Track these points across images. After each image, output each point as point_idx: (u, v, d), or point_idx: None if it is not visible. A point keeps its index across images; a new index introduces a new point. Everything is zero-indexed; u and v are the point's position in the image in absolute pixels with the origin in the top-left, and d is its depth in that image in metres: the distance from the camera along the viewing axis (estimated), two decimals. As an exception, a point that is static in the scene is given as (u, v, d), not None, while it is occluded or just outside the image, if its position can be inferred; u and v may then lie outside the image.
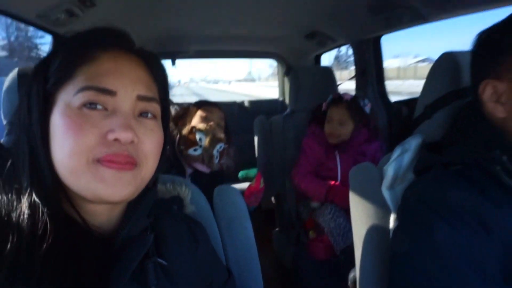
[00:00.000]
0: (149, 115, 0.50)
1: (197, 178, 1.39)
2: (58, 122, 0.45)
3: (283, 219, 1.75)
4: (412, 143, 0.82)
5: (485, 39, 0.66)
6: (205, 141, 1.36)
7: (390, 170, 0.81)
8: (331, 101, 1.68)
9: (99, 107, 0.46)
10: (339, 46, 2.49)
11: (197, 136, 1.37)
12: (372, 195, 0.81)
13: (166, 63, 2.89)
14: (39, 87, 0.47)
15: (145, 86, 0.50)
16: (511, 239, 0.56)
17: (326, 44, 2.47)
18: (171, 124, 1.45)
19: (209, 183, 1.37)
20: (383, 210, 0.78)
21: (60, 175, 0.46)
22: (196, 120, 1.46)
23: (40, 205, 0.43)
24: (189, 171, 1.41)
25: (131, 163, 0.46)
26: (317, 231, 1.51)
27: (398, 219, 0.72)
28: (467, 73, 0.82)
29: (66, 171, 0.45)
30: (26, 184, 0.44)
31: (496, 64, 0.63)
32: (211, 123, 1.42)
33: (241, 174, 2.57)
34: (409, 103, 0.97)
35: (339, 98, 1.65)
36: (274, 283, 0.74)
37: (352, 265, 1.21)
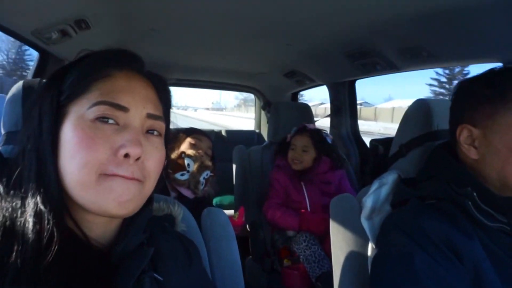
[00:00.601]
0: (155, 132, 0.53)
1: (181, 202, 1.39)
2: (69, 134, 0.47)
3: (257, 247, 1.76)
4: (389, 178, 0.89)
5: (465, 88, 0.76)
6: (193, 167, 1.38)
7: (368, 202, 0.87)
8: (295, 131, 1.81)
9: (111, 121, 0.48)
10: (316, 86, 2.63)
11: (186, 162, 1.38)
12: (352, 224, 0.86)
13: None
14: (52, 98, 0.49)
15: (154, 105, 0.53)
16: (478, 268, 0.63)
17: (303, 83, 2.60)
18: None
19: (191, 208, 1.38)
20: (362, 238, 0.83)
21: (67, 187, 0.47)
22: (185, 146, 1.48)
23: (46, 214, 0.44)
24: (172, 194, 1.41)
25: (137, 180, 0.48)
26: (292, 259, 1.54)
27: (376, 247, 0.77)
28: (438, 118, 0.92)
29: (75, 183, 0.46)
30: (32, 192, 0.45)
31: (473, 111, 0.72)
32: (200, 151, 1.45)
33: (215, 200, 2.57)
34: (385, 142, 1.07)
35: (304, 128, 1.79)
36: None
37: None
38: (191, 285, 0.59)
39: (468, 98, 0.74)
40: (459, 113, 0.76)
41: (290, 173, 1.72)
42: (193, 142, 1.50)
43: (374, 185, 0.90)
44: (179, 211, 0.74)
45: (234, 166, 1.95)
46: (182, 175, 1.37)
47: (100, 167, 0.45)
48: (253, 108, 3.76)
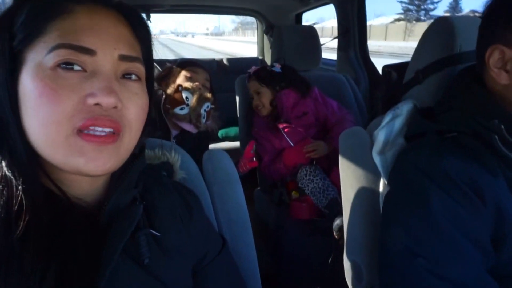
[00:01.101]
0: (133, 76, 0.46)
1: (183, 140, 1.36)
2: (29, 86, 0.40)
3: (264, 179, 1.76)
4: (404, 108, 0.82)
5: (498, 3, 0.64)
6: (192, 100, 1.32)
7: (381, 135, 0.80)
8: (247, 81, 1.74)
9: (76, 67, 0.40)
10: (321, 5, 2.42)
11: (184, 95, 1.32)
12: (362, 159, 0.82)
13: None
14: (3, 44, 0.41)
15: (128, 45, 0.45)
16: (501, 208, 0.58)
17: (308, 2, 2.39)
18: (155, 84, 1.39)
19: (195, 143, 1.35)
20: (373, 174, 0.79)
21: (34, 146, 0.41)
22: (181, 80, 1.40)
23: (13, 180, 0.39)
24: (174, 132, 1.37)
25: (113, 134, 0.42)
26: (300, 191, 1.54)
27: (390, 184, 0.73)
28: (462, 38, 0.81)
29: (41, 142, 0.40)
30: None
31: (507, 30, 0.61)
32: (197, 83, 1.37)
33: (220, 133, 2.56)
34: (399, 68, 0.96)
35: (248, 74, 1.73)
36: (258, 241, 0.74)
37: (336, 214, 1.25)
38: (192, 238, 0.56)
39: (502, 14, 0.63)
40: (490, 31, 0.65)
41: (266, 125, 1.66)
42: (188, 75, 1.41)
43: (387, 117, 0.83)
44: (177, 157, 0.69)
45: (237, 98, 1.87)
46: (181, 109, 1.31)
47: (70, 122, 0.39)
48: (250, 32, 3.56)
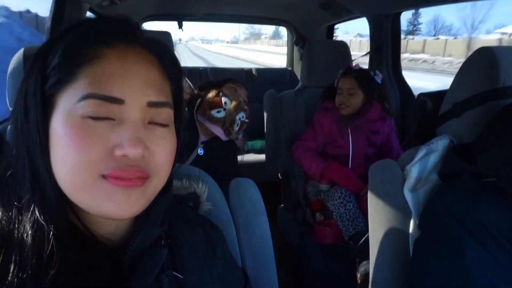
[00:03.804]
0: (162, 121, 0.45)
1: (211, 147, 1.38)
2: (59, 132, 0.40)
3: (289, 196, 1.74)
4: (440, 144, 0.78)
5: None
6: (231, 105, 1.36)
7: (414, 172, 0.77)
8: (341, 73, 1.65)
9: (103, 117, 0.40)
10: (354, 18, 2.38)
11: (223, 100, 1.36)
12: (392, 195, 0.79)
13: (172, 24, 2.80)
14: (36, 87, 0.41)
15: (157, 90, 0.44)
16: None
17: (341, 15, 2.36)
18: (196, 91, 1.45)
19: (223, 154, 1.37)
20: (403, 212, 0.76)
21: (63, 190, 0.41)
22: (225, 88, 1.44)
23: (45, 225, 0.39)
24: (202, 138, 1.39)
25: (142, 178, 0.42)
26: (325, 214, 1.51)
27: (421, 227, 0.69)
28: (505, 71, 0.76)
29: (69, 186, 0.41)
30: (27, 199, 0.40)
31: None
32: (238, 95, 1.41)
33: (246, 146, 2.55)
34: (435, 96, 0.92)
35: (348, 69, 1.63)
36: (279, 260, 0.73)
37: (362, 252, 1.22)
38: (214, 277, 0.55)
39: None
40: None
41: (337, 117, 1.60)
42: (232, 86, 1.45)
43: (421, 152, 0.80)
44: (204, 188, 0.69)
45: (265, 114, 1.86)
46: (218, 112, 1.35)
47: (96, 168, 0.39)
48: (258, 41, 3.57)
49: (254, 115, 1.90)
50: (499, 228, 0.55)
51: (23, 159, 0.41)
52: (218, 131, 1.38)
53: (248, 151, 2.56)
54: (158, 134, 0.44)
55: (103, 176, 0.40)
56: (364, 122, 1.58)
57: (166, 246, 0.49)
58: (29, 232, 0.38)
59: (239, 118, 1.38)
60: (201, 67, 3.13)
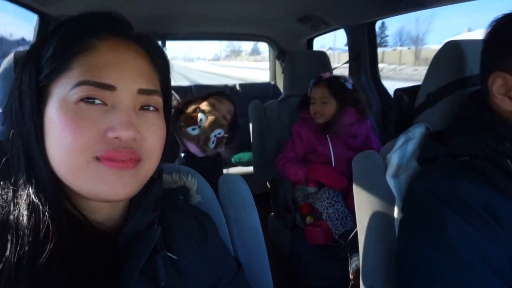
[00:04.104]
0: (151, 108, 0.48)
1: (192, 159, 1.37)
2: (54, 119, 0.42)
3: (278, 204, 1.76)
4: (416, 132, 0.83)
5: (498, 29, 0.65)
6: (205, 122, 1.34)
7: (394, 159, 0.81)
8: (313, 83, 1.69)
9: (97, 102, 0.43)
10: (332, 30, 2.47)
11: (199, 116, 1.34)
12: (376, 183, 0.82)
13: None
14: (31, 78, 0.44)
15: (147, 78, 0.47)
16: None
17: (319, 28, 2.44)
18: (178, 106, 1.44)
19: (207, 165, 1.36)
20: (387, 199, 0.79)
21: (57, 174, 0.43)
22: (204, 104, 1.43)
23: (40, 206, 0.41)
24: (182, 148, 1.38)
25: (134, 160, 0.44)
26: (315, 216, 1.53)
27: (404, 210, 0.72)
28: (471, 62, 0.82)
29: (64, 170, 0.43)
30: (22, 182, 0.42)
31: (507, 57, 0.62)
32: (216, 112, 1.40)
33: (233, 158, 2.57)
34: (410, 91, 0.97)
35: (319, 78, 1.67)
36: (272, 267, 0.74)
37: (352, 249, 1.24)
38: (208, 261, 0.57)
39: (501, 41, 0.64)
40: (491, 59, 0.66)
41: (314, 126, 1.64)
42: (212, 101, 1.44)
43: (400, 140, 0.84)
44: (193, 182, 0.71)
45: (250, 124, 1.90)
46: (193, 129, 1.33)
47: (90, 151, 0.41)
48: (238, 58, 3.65)
49: (240, 129, 1.94)
50: (476, 200, 0.59)
51: (17, 147, 0.43)
52: (193, 148, 1.36)
53: (236, 164, 2.58)
54: (149, 120, 0.47)
55: (97, 159, 0.42)
56: (340, 127, 1.61)
57: (159, 228, 0.50)
58: (25, 213, 0.40)
59: (215, 136, 1.36)
60: (186, 85, 3.17)
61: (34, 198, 0.41)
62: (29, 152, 0.43)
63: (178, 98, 1.57)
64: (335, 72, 1.90)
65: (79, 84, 0.42)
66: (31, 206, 0.41)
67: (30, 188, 0.42)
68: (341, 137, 1.61)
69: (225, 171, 2.33)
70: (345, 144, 1.62)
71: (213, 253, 0.59)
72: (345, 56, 2.30)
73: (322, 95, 1.62)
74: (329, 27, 2.34)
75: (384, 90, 2.09)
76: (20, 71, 0.45)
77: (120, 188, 0.43)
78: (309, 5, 2.08)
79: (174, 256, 0.51)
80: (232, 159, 2.57)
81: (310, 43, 2.88)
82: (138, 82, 0.46)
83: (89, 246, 0.43)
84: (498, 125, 0.64)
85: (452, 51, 0.85)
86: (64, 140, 0.41)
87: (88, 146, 0.41)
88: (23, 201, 0.41)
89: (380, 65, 2.28)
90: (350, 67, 2.21)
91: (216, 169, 1.47)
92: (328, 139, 1.60)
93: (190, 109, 1.38)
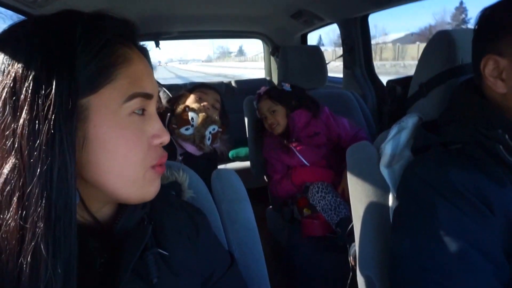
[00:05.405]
0: None
1: (189, 158, 1.37)
2: (106, 134, 0.41)
3: (275, 197, 1.76)
4: (409, 122, 0.83)
5: (488, 16, 0.66)
6: (198, 121, 1.33)
7: (387, 149, 0.81)
8: (255, 103, 1.74)
9: (140, 112, 0.45)
10: (325, 25, 2.46)
11: (190, 115, 1.32)
12: (370, 174, 0.82)
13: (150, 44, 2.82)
14: (70, 91, 0.38)
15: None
16: (511, 216, 0.58)
17: (312, 23, 2.43)
18: (166, 105, 1.43)
19: (203, 164, 1.36)
20: (382, 188, 0.79)
21: (108, 185, 0.43)
22: (190, 101, 1.42)
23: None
24: (180, 150, 1.38)
25: None
26: (312, 208, 1.53)
27: (398, 198, 0.72)
28: (462, 51, 0.82)
29: (122, 181, 0.43)
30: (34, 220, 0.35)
31: (498, 40, 0.62)
32: (205, 103, 1.39)
33: (231, 153, 2.58)
34: (403, 82, 0.98)
35: (258, 95, 1.73)
36: (271, 262, 0.74)
37: (349, 237, 1.23)
38: (199, 255, 0.57)
39: (491, 26, 0.65)
40: (482, 44, 0.67)
41: (277, 144, 1.66)
42: (197, 95, 1.43)
43: (393, 130, 0.84)
44: (185, 177, 0.71)
45: (246, 119, 1.90)
46: (186, 129, 1.32)
47: (147, 161, 0.45)
48: (228, 58, 3.65)
49: (236, 124, 1.94)
50: (467, 187, 0.59)
51: (35, 196, 0.36)
52: (190, 148, 1.36)
53: (233, 159, 2.58)
54: None
55: (152, 167, 0.46)
56: (297, 132, 1.62)
57: (150, 225, 0.51)
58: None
59: (210, 132, 1.35)
60: (181, 83, 3.16)
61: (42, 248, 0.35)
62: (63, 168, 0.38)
63: (170, 95, 1.57)
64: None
65: (133, 97, 0.43)
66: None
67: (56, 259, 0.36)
68: (303, 141, 1.61)
69: (223, 166, 2.33)
70: (311, 145, 1.60)
71: (205, 248, 0.59)
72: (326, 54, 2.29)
73: (267, 106, 1.66)
74: (322, 22, 2.34)
75: (379, 83, 2.08)
76: (37, 85, 0.37)
77: (158, 189, 0.48)
78: (302, 0, 2.07)
79: (165, 252, 0.51)
80: (230, 155, 2.57)
81: (304, 39, 2.87)
82: (156, 87, 0.48)
83: (85, 245, 0.43)
84: (490, 112, 0.64)
85: (443, 41, 0.85)
86: (126, 154, 0.43)
87: (145, 156, 0.44)
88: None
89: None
90: (344, 61, 2.21)
91: (210, 167, 1.47)
92: (293, 148, 1.59)
93: (180, 109, 1.37)
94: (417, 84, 0.91)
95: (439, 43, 0.86)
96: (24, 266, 0.35)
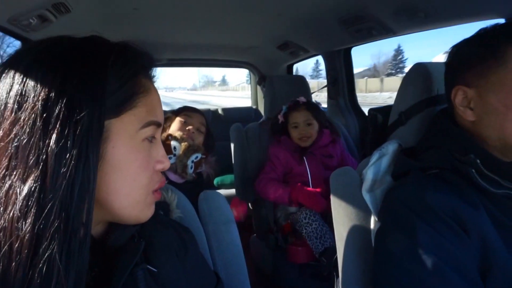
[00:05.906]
0: None
1: (172, 185, 1.35)
2: (123, 155, 0.44)
3: (260, 225, 1.76)
4: (390, 148, 0.86)
5: (457, 51, 0.73)
6: (179, 150, 1.32)
7: (369, 174, 0.84)
8: (288, 108, 1.75)
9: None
10: (310, 56, 2.56)
11: (172, 144, 1.32)
12: (353, 198, 0.84)
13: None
14: (101, 113, 0.41)
15: None
16: (486, 239, 0.60)
17: (298, 54, 2.53)
18: None
19: (188, 188, 1.35)
20: (364, 212, 0.81)
21: (116, 205, 0.45)
22: (175, 126, 1.42)
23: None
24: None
25: None
26: (296, 235, 1.53)
27: (379, 221, 0.75)
28: (437, 82, 0.88)
29: (128, 202, 0.46)
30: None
31: (465, 72, 0.68)
32: (190, 127, 1.40)
33: (216, 181, 2.57)
34: (384, 110, 1.02)
35: (297, 103, 1.73)
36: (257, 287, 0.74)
37: (336, 266, 1.24)
38: (188, 273, 0.57)
39: (459, 60, 0.71)
40: (452, 76, 0.73)
41: (291, 148, 1.68)
42: (182, 119, 1.44)
43: (374, 156, 0.87)
44: (173, 197, 0.72)
45: (232, 146, 1.92)
46: (169, 158, 1.31)
47: (150, 185, 0.48)
48: (211, 87, 3.73)
49: (222, 152, 1.96)
50: (444, 210, 0.62)
51: (52, 209, 0.37)
52: (172, 177, 1.34)
53: (219, 187, 2.58)
54: None
55: (153, 191, 0.49)
56: (317, 148, 1.67)
57: (143, 242, 0.51)
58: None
59: (192, 161, 1.33)
60: (168, 110, 3.18)
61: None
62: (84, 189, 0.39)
63: None
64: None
65: (149, 124, 0.46)
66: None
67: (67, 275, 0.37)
68: (317, 157, 1.65)
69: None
70: (322, 164, 1.66)
71: (193, 265, 0.59)
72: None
73: (305, 118, 1.67)
74: (307, 54, 2.44)
75: (361, 112, 2.16)
76: (71, 106, 0.39)
77: (153, 212, 0.51)
78: (287, 33, 2.17)
79: (154, 269, 0.52)
80: (215, 182, 2.56)
81: (290, 69, 2.97)
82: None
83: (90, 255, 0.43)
84: (463, 138, 0.69)
85: (420, 72, 0.91)
86: (136, 177, 0.46)
87: (150, 180, 0.48)
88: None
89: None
90: (328, 91, 2.29)
91: (196, 190, 1.45)
92: (305, 160, 1.63)
93: (163, 137, 1.36)
94: (397, 113, 0.96)
95: (416, 75, 0.92)
96: (36, 276, 0.35)
